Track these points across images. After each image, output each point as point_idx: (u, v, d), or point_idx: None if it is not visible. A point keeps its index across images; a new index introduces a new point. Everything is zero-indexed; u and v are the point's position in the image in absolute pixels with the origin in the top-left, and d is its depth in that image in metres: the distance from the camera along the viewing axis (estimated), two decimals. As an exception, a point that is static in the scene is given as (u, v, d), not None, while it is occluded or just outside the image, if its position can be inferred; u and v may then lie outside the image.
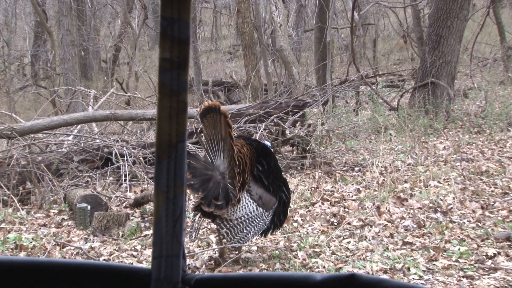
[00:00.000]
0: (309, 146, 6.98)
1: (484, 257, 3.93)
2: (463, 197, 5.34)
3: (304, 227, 4.80)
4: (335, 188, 6.02)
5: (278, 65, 14.01)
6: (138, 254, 4.38)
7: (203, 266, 4.04)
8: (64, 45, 12.87)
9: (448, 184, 5.77)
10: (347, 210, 5.23)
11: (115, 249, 4.50)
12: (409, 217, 4.91)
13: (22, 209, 5.58)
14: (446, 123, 9.23)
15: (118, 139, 7.09)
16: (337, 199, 5.59)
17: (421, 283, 3.59)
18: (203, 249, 4.36)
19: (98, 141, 6.90)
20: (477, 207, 5.07)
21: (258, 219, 3.98)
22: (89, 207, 5.14)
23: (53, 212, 5.60)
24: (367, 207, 5.24)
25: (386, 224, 4.73)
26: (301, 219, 4.99)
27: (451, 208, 5.06)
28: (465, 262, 3.87)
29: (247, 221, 3.93)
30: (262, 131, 6.80)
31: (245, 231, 3.93)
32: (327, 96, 9.05)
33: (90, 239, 4.78)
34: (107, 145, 6.64)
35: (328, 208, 5.32)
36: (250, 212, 3.93)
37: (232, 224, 3.89)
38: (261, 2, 13.42)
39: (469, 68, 12.38)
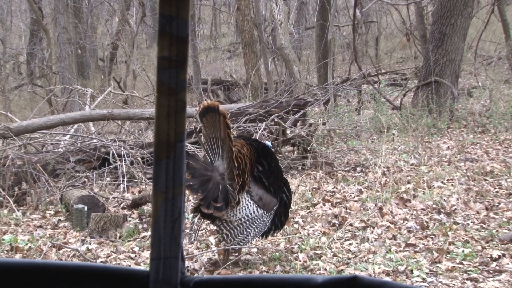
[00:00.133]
0: (310, 146, 6.98)
1: (489, 259, 3.93)
2: (467, 198, 5.34)
3: (305, 229, 4.80)
4: (336, 188, 6.03)
5: (279, 64, 14.01)
6: (136, 256, 4.38)
7: (202, 268, 4.04)
8: (60, 43, 12.87)
9: (452, 185, 5.77)
10: (349, 211, 5.23)
11: (112, 251, 4.50)
12: (412, 218, 4.91)
13: (18, 210, 5.58)
14: (450, 123, 9.23)
15: (115, 139, 7.10)
16: (338, 200, 5.60)
17: (424, 286, 3.59)
18: (202, 251, 4.36)
19: (95, 141, 6.91)
20: (481, 208, 5.07)
21: (259, 221, 3.98)
22: (86, 208, 5.14)
23: (49, 213, 5.60)
24: (369, 208, 5.24)
25: (389, 226, 4.73)
26: (302, 221, 4.99)
27: (455, 209, 5.06)
28: (469, 264, 3.87)
29: (247, 222, 3.93)
30: (262, 131, 6.80)
31: (245, 232, 3.93)
32: (329, 95, 9.05)
33: (87, 241, 4.78)
34: (104, 145, 6.64)
35: (330, 209, 5.32)
36: (250, 214, 3.93)
37: (232, 225, 3.90)
38: (261, -1, 13.43)
39: (474, 66, 12.38)
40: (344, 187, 6.06)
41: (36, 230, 5.15)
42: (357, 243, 4.39)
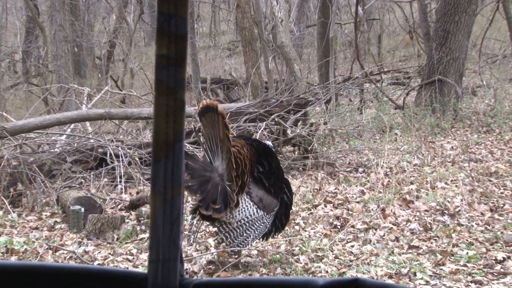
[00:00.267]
0: (311, 146, 6.98)
1: (493, 261, 3.94)
2: (472, 199, 5.34)
3: (306, 230, 4.80)
4: (338, 189, 6.03)
5: (279, 62, 14.01)
6: (133, 258, 4.38)
7: (201, 271, 4.04)
8: (56, 41, 12.86)
9: (456, 186, 5.77)
10: (350, 212, 5.23)
11: (109, 253, 4.50)
12: (415, 220, 4.92)
13: (13, 212, 5.58)
14: (453, 122, 9.24)
15: (113, 138, 7.09)
16: (340, 201, 5.60)
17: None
18: (201, 253, 4.36)
19: (92, 141, 6.90)
20: (486, 209, 5.07)
21: (259, 222, 3.98)
22: (82, 209, 5.14)
23: (46, 215, 5.60)
24: (372, 209, 5.24)
25: (391, 227, 4.73)
26: (303, 222, 4.99)
27: (459, 210, 5.06)
28: (474, 267, 3.88)
29: (247, 224, 3.93)
30: (262, 131, 6.80)
31: (245, 234, 3.93)
32: (330, 94, 9.05)
33: (83, 243, 4.78)
34: (101, 145, 6.64)
35: (331, 210, 5.32)
36: (250, 215, 3.93)
37: (232, 227, 3.90)
38: (261, -3, 13.42)
39: (478, 65, 12.38)
40: (346, 188, 6.06)
41: (32, 231, 5.15)
42: (359, 245, 4.39)
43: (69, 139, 7.23)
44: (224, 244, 3.96)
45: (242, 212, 3.91)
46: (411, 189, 5.76)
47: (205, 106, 3.75)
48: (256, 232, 3.99)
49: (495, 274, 3.76)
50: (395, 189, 5.75)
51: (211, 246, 4.48)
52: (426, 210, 5.13)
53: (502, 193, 5.58)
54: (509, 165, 6.60)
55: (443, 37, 9.71)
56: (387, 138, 7.70)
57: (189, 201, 4.70)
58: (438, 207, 5.16)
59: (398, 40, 19.21)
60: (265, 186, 4.00)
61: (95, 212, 5.21)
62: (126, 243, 4.73)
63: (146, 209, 5.53)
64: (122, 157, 6.30)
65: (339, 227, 4.87)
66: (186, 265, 4.11)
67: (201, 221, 4.02)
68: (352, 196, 5.78)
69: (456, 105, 9.55)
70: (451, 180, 6.04)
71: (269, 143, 4.55)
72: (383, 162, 6.65)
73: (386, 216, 5.01)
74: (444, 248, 4.22)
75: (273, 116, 7.19)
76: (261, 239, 4.17)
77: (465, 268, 3.86)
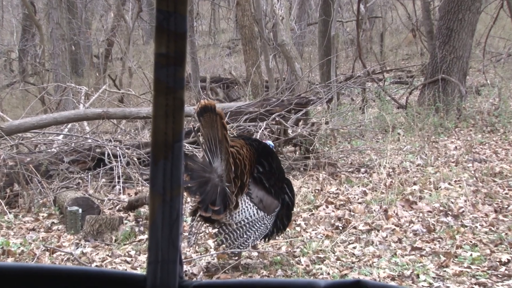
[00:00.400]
0: (313, 146, 6.98)
1: (498, 263, 3.93)
2: (476, 200, 5.34)
3: (307, 232, 4.80)
4: (340, 190, 6.03)
5: (280, 61, 14.01)
6: (132, 260, 4.38)
7: (201, 273, 4.04)
8: (53, 39, 12.87)
9: (460, 186, 5.77)
10: (352, 213, 5.23)
11: (108, 255, 4.51)
12: (418, 221, 4.92)
13: (10, 213, 5.59)
14: (457, 122, 9.23)
15: (111, 138, 7.10)
16: (342, 202, 5.60)
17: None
18: (200, 254, 4.36)
19: (89, 140, 6.91)
20: (490, 210, 5.07)
21: (259, 223, 3.98)
22: (80, 210, 5.14)
23: (43, 216, 5.60)
24: (374, 210, 5.24)
25: (394, 229, 4.73)
26: (304, 223, 4.99)
27: (463, 211, 5.06)
28: (478, 269, 3.88)
29: (247, 225, 3.93)
30: (263, 130, 6.80)
31: (245, 236, 3.94)
32: (332, 93, 9.05)
33: (81, 244, 4.78)
34: (99, 145, 6.64)
35: (333, 211, 5.33)
36: (250, 216, 3.94)
37: (232, 228, 3.90)
38: (262, -6, 13.43)
39: (482, 63, 12.37)
40: (348, 188, 6.06)
41: (28, 233, 5.15)
42: (361, 247, 4.39)
43: (66, 139, 7.23)
44: (224, 245, 3.96)
45: (242, 213, 3.91)
46: (414, 189, 5.76)
47: (203, 106, 3.75)
48: (257, 234, 3.99)
49: (500, 276, 3.76)
50: (397, 189, 5.75)
51: (210, 248, 4.49)
52: (429, 211, 5.13)
53: (506, 193, 5.58)
54: (513, 165, 6.60)
55: (447, 35, 9.70)
56: (390, 138, 7.70)
57: (188, 202, 4.70)
58: (441, 208, 5.16)
59: (400, 38, 19.20)
60: (265, 186, 4.01)
61: (93, 213, 5.21)
62: (125, 244, 4.74)
63: (144, 210, 5.53)
64: (120, 157, 6.31)
65: (340, 228, 4.87)
66: (186, 267, 4.11)
67: (201, 223, 4.02)
68: (354, 197, 5.78)
69: (459, 105, 9.55)
70: (455, 181, 6.04)
71: (270, 142, 4.55)
72: (386, 162, 6.65)
73: (388, 217, 5.01)
74: (447, 249, 4.22)
75: (273, 116, 7.19)
76: (262, 240, 4.17)
77: (469, 270, 3.86)
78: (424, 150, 7.35)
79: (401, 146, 7.74)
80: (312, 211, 5.39)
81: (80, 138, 7.09)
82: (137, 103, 11.20)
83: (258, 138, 6.31)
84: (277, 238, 4.33)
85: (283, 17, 10.86)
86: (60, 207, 5.56)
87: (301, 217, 5.17)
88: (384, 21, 18.74)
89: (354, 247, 4.40)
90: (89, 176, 6.26)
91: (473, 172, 6.24)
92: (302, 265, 4.06)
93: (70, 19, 15.83)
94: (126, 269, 4.17)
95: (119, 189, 6.11)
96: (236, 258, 4.11)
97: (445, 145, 7.99)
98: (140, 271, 4.01)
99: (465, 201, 5.28)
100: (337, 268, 4.00)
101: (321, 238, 4.59)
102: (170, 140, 0.81)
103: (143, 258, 4.38)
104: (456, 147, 7.80)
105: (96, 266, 4.28)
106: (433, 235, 4.58)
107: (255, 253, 4.31)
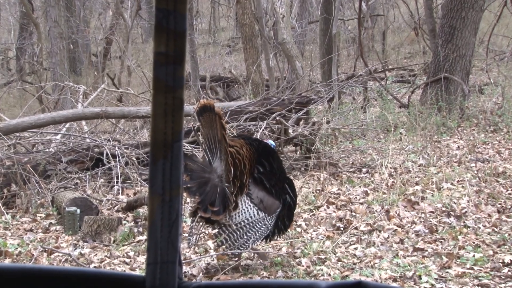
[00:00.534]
0: (314, 146, 6.98)
1: (501, 264, 3.94)
2: (478, 200, 5.34)
3: (308, 232, 4.80)
4: (341, 190, 6.03)
5: (281, 59, 14.01)
6: (131, 261, 4.39)
7: (200, 274, 4.04)
8: (51, 37, 12.87)
9: (462, 187, 5.77)
10: (354, 214, 5.23)
11: (106, 256, 4.51)
12: (421, 221, 4.92)
13: (7, 213, 5.59)
14: (460, 121, 9.23)
15: (109, 138, 7.10)
16: (343, 203, 5.60)
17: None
18: (200, 255, 4.37)
19: (88, 140, 6.91)
20: (493, 211, 5.07)
21: (260, 224, 3.98)
22: (78, 211, 5.14)
23: (40, 216, 5.61)
24: (376, 211, 5.24)
25: (396, 229, 4.74)
26: (305, 224, 4.99)
27: (466, 212, 5.06)
28: (480, 270, 3.88)
29: (248, 226, 3.94)
30: (263, 130, 6.80)
31: (245, 237, 3.94)
32: (333, 92, 9.05)
33: (79, 245, 4.79)
34: (97, 145, 6.64)
35: (334, 212, 5.33)
36: (251, 217, 3.94)
37: (232, 229, 3.90)
38: (262, -8, 13.42)
39: (485, 62, 12.37)
40: (349, 188, 6.06)
41: (26, 233, 5.15)
42: (362, 248, 4.40)
43: (64, 138, 7.23)
44: (224, 246, 3.96)
45: (242, 214, 3.92)
46: (416, 190, 5.76)
47: (203, 106, 3.77)
48: (257, 234, 3.99)
49: (503, 277, 3.76)
50: (399, 190, 5.75)
51: (210, 249, 4.49)
52: (431, 212, 5.13)
53: (509, 194, 5.58)
54: (517, 165, 6.59)
55: (450, 34, 9.70)
56: (392, 138, 7.70)
57: (188, 203, 4.70)
58: (444, 209, 5.16)
59: (403, 36, 19.20)
60: (265, 187, 4.01)
61: (91, 213, 5.22)
62: (123, 245, 4.74)
63: (143, 210, 5.54)
64: (119, 157, 6.31)
65: (342, 229, 4.87)
66: (185, 268, 4.12)
67: (201, 223, 4.02)
68: (356, 197, 5.78)
69: (462, 104, 9.55)
70: (458, 181, 6.04)
71: (271, 142, 4.56)
72: (388, 162, 6.65)
73: (390, 217, 5.01)
74: (450, 250, 4.22)
75: (274, 115, 7.19)
76: (264, 241, 4.18)
77: (471, 271, 3.86)
78: (426, 150, 7.36)
79: (403, 146, 7.74)
80: (313, 211, 5.39)
81: (78, 138, 7.09)
82: (136, 102, 11.21)
83: (258, 137, 6.31)
84: (279, 238, 4.33)
85: (283, 15, 10.86)
86: (58, 208, 5.56)
87: (302, 218, 5.17)
88: (386, 19, 18.74)
89: (356, 248, 4.40)
90: (88, 176, 6.27)
91: (476, 172, 6.25)
92: (303, 266, 4.06)
93: (68, 17, 15.83)
94: (124, 270, 4.17)
95: (118, 190, 6.11)
96: (236, 259, 4.12)
97: (447, 144, 7.99)
98: (139, 272, 4.01)
99: (468, 201, 5.28)
100: (338, 269, 4.00)
101: (322, 239, 4.60)
102: (170, 140, 0.81)
103: (142, 259, 4.38)
104: (458, 147, 7.79)
105: (95, 267, 4.28)
106: (435, 235, 4.58)
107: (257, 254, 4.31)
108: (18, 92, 15.28)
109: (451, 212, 5.05)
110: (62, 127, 7.88)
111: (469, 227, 4.72)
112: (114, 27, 16.72)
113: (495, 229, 4.65)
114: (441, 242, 4.45)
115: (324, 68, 12.09)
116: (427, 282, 3.74)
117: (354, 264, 4.11)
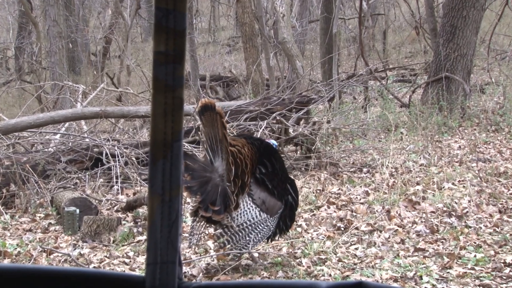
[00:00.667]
0: (314, 146, 6.98)
1: (502, 264, 3.94)
2: (480, 200, 5.34)
3: (308, 232, 4.80)
4: (342, 190, 6.03)
5: (281, 59, 14.01)
6: (130, 261, 4.39)
7: (200, 274, 4.04)
8: (50, 37, 12.86)
9: (464, 186, 5.77)
10: (354, 214, 5.23)
11: (105, 256, 4.51)
12: (422, 221, 4.92)
13: (6, 213, 5.59)
14: (461, 121, 9.23)
15: (109, 138, 7.11)
16: (344, 202, 5.60)
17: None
18: (200, 256, 4.37)
19: (87, 140, 6.91)
20: (494, 211, 5.08)
21: (262, 225, 3.98)
22: (77, 211, 5.14)
23: (39, 216, 5.61)
24: (376, 211, 5.24)
25: (397, 229, 4.74)
26: (306, 224, 4.99)
27: (467, 212, 5.06)
28: (482, 270, 3.88)
29: (250, 227, 3.94)
30: (263, 130, 6.80)
31: (247, 238, 3.94)
32: (334, 92, 9.05)
33: (79, 245, 4.79)
34: (97, 145, 6.64)
35: (335, 212, 5.33)
36: (253, 218, 3.94)
37: (234, 230, 3.90)
38: (262, -9, 13.42)
39: (487, 61, 12.37)
40: (350, 188, 6.06)
41: (25, 234, 5.16)
42: (363, 248, 4.40)
43: (63, 138, 7.23)
44: (227, 247, 3.96)
45: (244, 215, 3.91)
46: (417, 189, 5.76)
47: (204, 105, 3.77)
48: (260, 235, 3.99)
49: (504, 277, 3.76)
50: (400, 190, 5.75)
51: (210, 249, 4.49)
52: (432, 212, 5.13)
53: (511, 194, 5.58)
54: (518, 165, 6.59)
55: (451, 33, 9.70)
56: (393, 137, 7.70)
57: (188, 203, 4.70)
58: (445, 209, 5.16)
59: (404, 36, 19.19)
60: (268, 188, 4.00)
61: (90, 213, 5.22)
62: (123, 245, 4.74)
63: (143, 210, 5.54)
64: (118, 157, 6.31)
65: (342, 229, 4.87)
66: (185, 268, 4.12)
67: (202, 223, 4.02)
68: (356, 197, 5.78)
69: (463, 103, 9.54)
70: (459, 181, 6.04)
71: (273, 141, 4.56)
72: (388, 162, 6.65)
73: (391, 217, 5.01)
74: (451, 250, 4.22)
75: (274, 115, 7.19)
76: (265, 242, 4.18)
77: (473, 272, 3.86)
78: (427, 150, 7.36)
79: (404, 146, 7.74)
80: (313, 211, 5.39)
81: (77, 138, 7.09)
82: (135, 101, 11.20)
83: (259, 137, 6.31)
84: (280, 238, 4.33)
85: (284, 14, 10.86)
86: (57, 208, 5.56)
87: (303, 218, 5.17)
88: (387, 19, 18.73)
89: (356, 248, 4.40)
90: (87, 176, 6.27)
91: (477, 172, 6.25)
92: (303, 266, 4.06)
93: (67, 16, 15.82)
94: (124, 271, 4.17)
95: (117, 189, 6.11)
96: (236, 259, 4.12)
97: (448, 144, 7.99)
98: (139, 273, 4.01)
99: (469, 201, 5.28)
100: (339, 270, 4.00)
101: (323, 239, 4.60)
102: (169, 139, 0.81)
103: (142, 259, 4.38)
104: (460, 147, 7.79)
105: (94, 267, 4.28)
106: (437, 236, 4.58)
107: (255, 254, 4.31)
108: (17, 92, 15.28)
109: (452, 212, 5.06)
110: (61, 127, 7.88)
111: (470, 227, 4.72)
112: (114, 26, 16.73)
113: (497, 229, 4.65)
114: (442, 242, 4.45)
115: (325, 68, 12.08)
116: (428, 282, 3.74)
117: (355, 264, 4.11)
